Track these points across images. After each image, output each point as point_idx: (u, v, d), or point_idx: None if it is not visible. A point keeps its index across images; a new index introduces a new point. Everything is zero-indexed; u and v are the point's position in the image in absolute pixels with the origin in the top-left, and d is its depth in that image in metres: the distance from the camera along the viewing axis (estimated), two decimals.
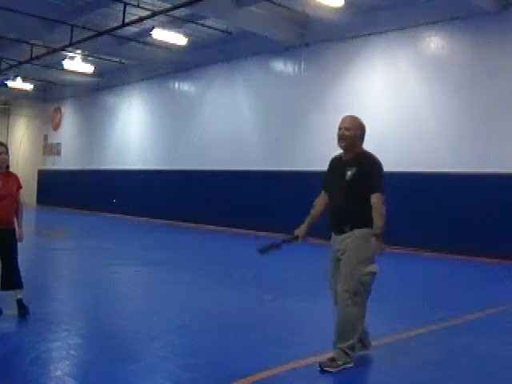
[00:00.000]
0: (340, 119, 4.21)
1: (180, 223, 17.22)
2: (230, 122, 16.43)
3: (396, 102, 12.45)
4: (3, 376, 3.64)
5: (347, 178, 4.04)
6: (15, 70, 20.12)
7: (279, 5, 12.88)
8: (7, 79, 21.72)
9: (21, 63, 18.59)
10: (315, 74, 14.21)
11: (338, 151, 4.25)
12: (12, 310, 5.38)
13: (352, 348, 3.97)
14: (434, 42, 11.95)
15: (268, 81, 15.46)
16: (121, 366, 3.89)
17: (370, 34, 12.88)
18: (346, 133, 4.07)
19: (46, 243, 12.02)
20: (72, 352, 4.22)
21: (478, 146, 11.02)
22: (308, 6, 12.21)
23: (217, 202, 16.26)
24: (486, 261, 10.28)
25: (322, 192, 4.35)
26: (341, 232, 4.06)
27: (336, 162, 4.28)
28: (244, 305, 6.21)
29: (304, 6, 12.48)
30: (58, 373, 3.74)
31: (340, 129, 4.12)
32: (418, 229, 11.55)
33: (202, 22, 14.46)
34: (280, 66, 15.31)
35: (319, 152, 12.46)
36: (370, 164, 4.06)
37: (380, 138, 12.32)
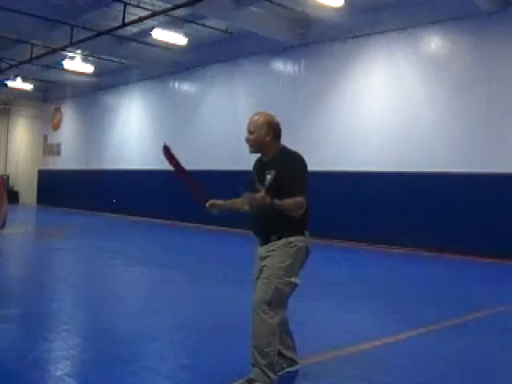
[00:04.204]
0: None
1: (180, 223, 17.23)
2: (230, 122, 16.42)
3: (396, 101, 12.44)
4: (3, 376, 3.64)
5: (266, 182, 3.61)
6: (15, 69, 20.10)
7: (279, 5, 12.88)
8: (7, 79, 21.70)
9: (21, 63, 18.56)
10: (315, 73, 14.21)
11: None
12: (12, 310, 5.39)
13: (271, 366, 3.46)
14: (434, 42, 11.96)
15: (268, 81, 15.47)
16: (121, 366, 3.90)
17: (370, 34, 12.89)
18: (250, 137, 3.73)
19: (45, 243, 12.02)
20: (72, 352, 4.22)
21: (478, 145, 11.02)
22: (308, 6, 12.20)
23: None
24: (486, 261, 10.29)
25: None
26: (267, 241, 3.65)
27: (257, 165, 3.86)
28: (244, 305, 6.20)
29: (304, 6, 12.47)
30: (58, 373, 3.74)
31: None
32: (417, 229, 11.55)
33: (202, 21, 14.45)
34: (280, 65, 15.32)
35: (318, 152, 12.53)
36: (290, 165, 3.64)
37: (379, 137, 12.39)
